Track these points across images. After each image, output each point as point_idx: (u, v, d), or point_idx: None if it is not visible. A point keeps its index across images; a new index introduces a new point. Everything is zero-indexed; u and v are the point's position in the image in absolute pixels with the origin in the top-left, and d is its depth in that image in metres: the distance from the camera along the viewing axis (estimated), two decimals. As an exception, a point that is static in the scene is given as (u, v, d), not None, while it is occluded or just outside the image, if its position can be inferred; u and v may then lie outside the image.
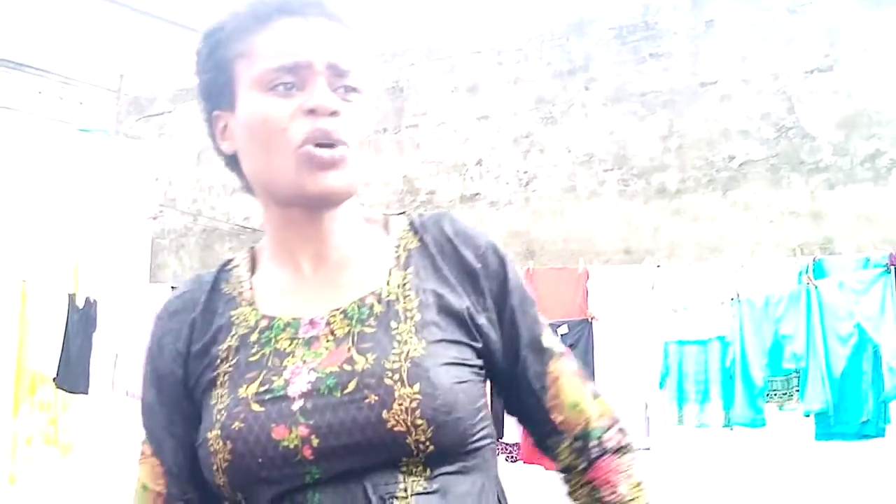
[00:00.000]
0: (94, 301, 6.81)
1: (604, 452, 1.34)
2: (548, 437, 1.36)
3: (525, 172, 7.69)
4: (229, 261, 1.42)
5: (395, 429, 1.12)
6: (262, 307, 1.31)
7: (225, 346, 1.28)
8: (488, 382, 1.31)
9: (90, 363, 6.74)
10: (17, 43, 12.25)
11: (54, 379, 6.74)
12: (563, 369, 1.35)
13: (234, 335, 1.29)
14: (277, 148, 1.23)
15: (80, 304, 6.79)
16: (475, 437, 1.20)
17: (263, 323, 1.28)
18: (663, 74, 7.15)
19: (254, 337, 1.27)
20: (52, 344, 6.72)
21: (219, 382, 1.25)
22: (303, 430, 1.14)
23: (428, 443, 1.13)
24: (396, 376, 1.15)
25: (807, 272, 5.16)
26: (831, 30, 6.47)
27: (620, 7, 7.52)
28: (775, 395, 5.13)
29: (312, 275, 1.31)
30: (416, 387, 1.14)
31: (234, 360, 1.26)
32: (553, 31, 7.73)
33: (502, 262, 1.32)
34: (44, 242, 7.68)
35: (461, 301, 1.26)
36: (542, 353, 1.33)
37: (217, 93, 1.32)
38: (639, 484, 1.34)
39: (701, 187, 6.88)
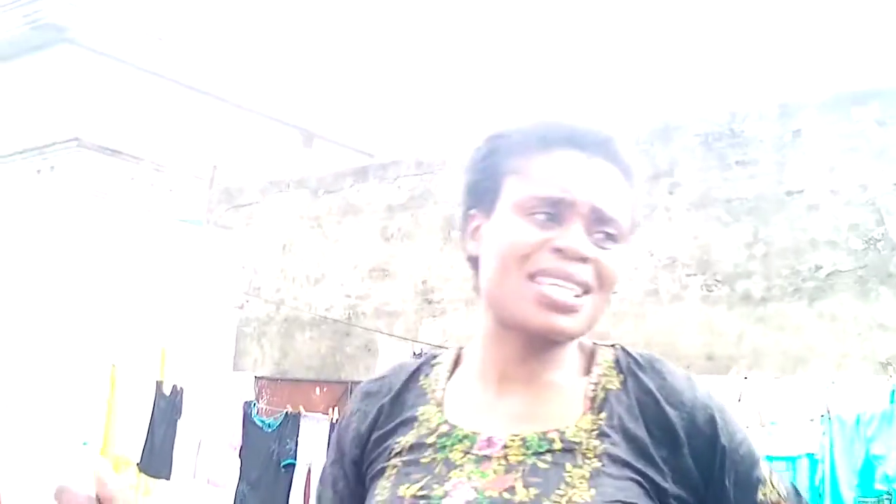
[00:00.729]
0: (181, 389, 6.94)
1: None
2: None
3: (607, 274, 7.69)
4: (435, 356, 1.41)
5: None
6: (448, 412, 1.29)
7: (403, 440, 1.27)
8: None
9: (174, 449, 6.84)
10: (111, 130, 12.72)
11: (138, 464, 6.85)
12: None
13: (413, 432, 1.28)
14: (512, 272, 1.21)
15: (166, 391, 6.93)
16: None
17: (444, 428, 1.26)
18: (749, 182, 7.16)
19: (430, 440, 1.25)
20: (137, 429, 6.84)
21: (386, 474, 1.25)
22: None
23: None
24: None
25: (899, 390, 5.07)
26: (922, 143, 6.45)
27: (707, 114, 7.59)
28: (866, 515, 5.01)
29: (506, 394, 1.27)
30: None
31: (406, 458, 1.25)
32: (638, 136, 7.81)
33: (712, 422, 1.23)
34: (133, 328, 7.87)
35: (649, 461, 1.20)
36: None
37: (480, 195, 1.30)
38: None
39: (787, 296, 6.83)
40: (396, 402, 1.34)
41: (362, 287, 9.36)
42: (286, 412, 6.84)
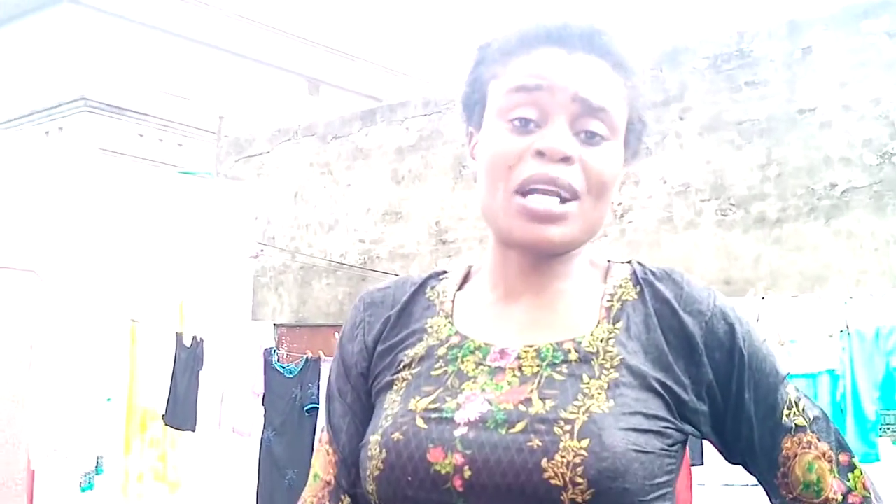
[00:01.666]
0: (201, 340, 6.97)
1: None
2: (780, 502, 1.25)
3: (619, 204, 7.66)
4: (444, 271, 1.37)
5: (552, 481, 1.05)
6: (458, 323, 1.26)
7: (412, 352, 1.24)
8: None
9: (197, 401, 6.88)
10: (116, 88, 12.68)
11: (163, 416, 6.90)
12: (801, 446, 1.21)
13: (422, 344, 1.25)
14: (498, 186, 1.17)
15: (187, 342, 6.95)
16: None
17: (455, 339, 1.23)
18: (760, 102, 7.07)
19: (441, 351, 1.22)
20: (160, 382, 6.89)
21: (395, 387, 1.22)
22: (458, 459, 1.09)
23: None
24: (568, 427, 1.08)
25: (918, 302, 5.03)
26: (934, 52, 6.34)
27: (714, 36, 7.47)
28: (889, 429, 4.99)
29: (517, 306, 1.24)
30: (585, 442, 1.06)
31: (416, 370, 1.22)
32: (646, 61, 7.70)
33: (731, 331, 1.19)
34: (150, 283, 7.89)
35: (668, 372, 1.16)
36: (776, 429, 1.20)
37: (471, 110, 1.27)
38: None
39: (802, 216, 6.77)
40: (403, 313, 1.30)
41: (376, 231, 9.35)
42: (306, 357, 6.86)
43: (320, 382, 6.68)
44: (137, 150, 11.35)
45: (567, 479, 1.05)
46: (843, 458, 1.22)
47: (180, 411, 6.88)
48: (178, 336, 6.98)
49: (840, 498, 1.19)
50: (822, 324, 5.20)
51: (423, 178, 9.07)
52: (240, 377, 6.94)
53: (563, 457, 1.05)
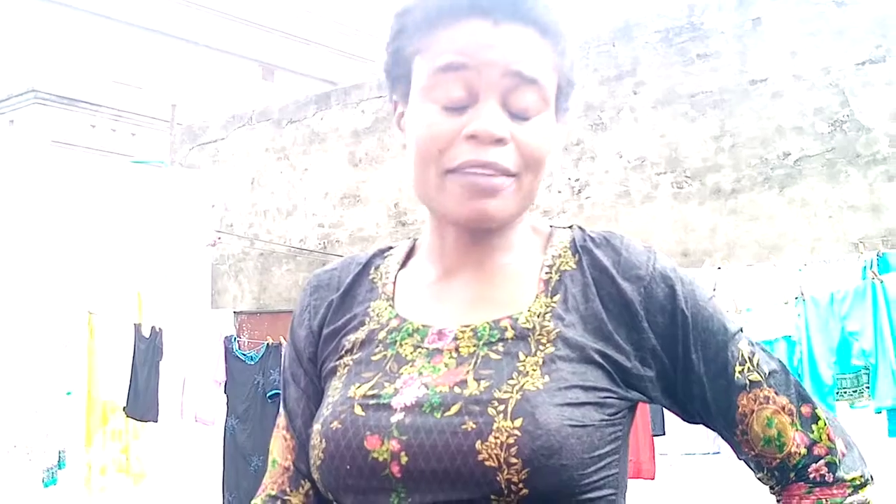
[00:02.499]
0: (160, 330, 6.91)
1: (799, 480, 1.20)
2: (745, 462, 1.24)
3: (577, 180, 7.69)
4: (389, 248, 1.35)
5: (486, 462, 1.04)
6: (399, 306, 1.24)
7: (353, 337, 1.23)
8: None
9: (158, 391, 6.83)
10: (67, 79, 12.52)
11: (124, 408, 6.84)
12: (758, 402, 1.18)
13: (364, 328, 1.23)
14: (430, 168, 1.14)
15: (145, 333, 6.89)
16: (587, 488, 1.08)
17: (394, 323, 1.21)
18: (712, 74, 7.11)
19: (381, 335, 1.21)
20: (120, 374, 6.83)
21: (338, 374, 1.20)
22: (394, 445, 1.08)
23: (521, 485, 1.04)
24: (501, 407, 1.06)
25: (871, 267, 5.08)
26: (881, 20, 6.39)
27: (665, 9, 7.50)
28: (845, 393, 5.05)
29: (455, 282, 1.22)
30: (518, 422, 1.05)
31: (357, 355, 1.20)
32: (598, 37, 7.72)
33: (672, 293, 1.16)
34: (107, 274, 7.82)
35: (608, 341, 1.14)
36: (729, 387, 1.17)
37: (395, 81, 1.22)
38: None
39: (757, 186, 6.82)
40: (347, 296, 1.28)
41: (335, 215, 9.32)
42: (267, 344, 6.83)
43: (282, 368, 6.65)
44: (90, 140, 11.21)
45: (501, 459, 1.03)
46: (804, 409, 1.20)
47: (141, 402, 6.82)
48: (137, 327, 6.92)
49: (804, 451, 1.18)
50: (777, 291, 5.25)
51: (380, 161, 9.04)
52: (201, 366, 6.89)
53: (496, 438, 1.04)
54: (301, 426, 1.28)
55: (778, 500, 1.23)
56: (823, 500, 1.18)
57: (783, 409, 1.18)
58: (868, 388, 4.97)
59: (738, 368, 1.17)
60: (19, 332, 7.12)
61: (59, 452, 6.93)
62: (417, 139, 1.15)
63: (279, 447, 1.31)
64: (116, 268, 7.94)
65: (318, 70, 15.37)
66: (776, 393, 1.18)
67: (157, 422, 6.92)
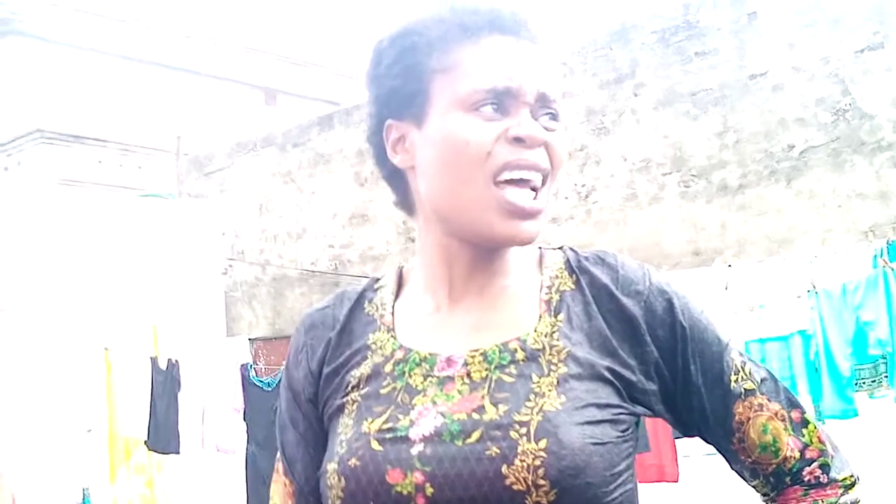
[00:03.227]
0: (176, 361, 6.93)
1: (795, 484, 1.22)
2: (740, 471, 1.25)
3: (583, 186, 7.68)
4: (377, 279, 1.34)
5: (514, 486, 1.04)
6: (401, 336, 1.23)
7: (358, 372, 1.22)
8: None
9: (178, 423, 6.85)
10: (72, 117, 12.58)
11: (146, 442, 6.86)
12: (753, 410, 1.21)
13: (368, 363, 1.22)
14: (472, 176, 1.14)
15: (162, 365, 6.92)
16: None
17: (399, 354, 1.21)
18: (711, 72, 7.09)
19: (388, 368, 1.20)
20: (140, 407, 6.85)
21: (346, 410, 1.19)
22: (418, 477, 1.08)
23: None
24: (524, 430, 1.07)
25: (882, 255, 5.06)
26: (878, 6, 6.36)
27: (660, 10, 7.49)
28: (864, 383, 5.02)
29: (459, 310, 1.22)
30: (543, 443, 1.06)
31: (364, 390, 1.19)
32: (595, 41, 7.72)
33: (670, 307, 1.19)
34: (121, 309, 7.85)
35: (614, 357, 1.16)
36: (726, 396, 1.20)
37: (401, 102, 1.21)
38: None
39: (763, 180, 6.80)
40: (343, 332, 1.28)
41: (344, 235, 9.33)
42: (283, 369, 6.84)
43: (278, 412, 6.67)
44: (97, 177, 11.25)
45: (529, 482, 1.04)
46: (794, 415, 1.22)
47: (162, 435, 6.84)
48: (154, 360, 6.95)
49: (798, 454, 1.20)
50: (789, 286, 5.23)
51: (386, 179, 9.03)
52: (219, 395, 6.91)
53: (522, 461, 1.05)
54: (301, 471, 1.27)
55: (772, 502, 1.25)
56: (819, 501, 1.20)
57: (776, 414, 1.21)
58: (886, 377, 4.95)
59: (733, 378, 1.20)
60: (37, 372, 7.15)
61: (84, 490, 6.96)
62: (460, 147, 1.15)
63: (279, 493, 1.31)
64: (130, 302, 7.96)
65: (320, 91, 15.40)
66: (769, 400, 1.21)
67: (179, 453, 6.94)
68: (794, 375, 5.15)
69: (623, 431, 1.13)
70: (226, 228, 9.92)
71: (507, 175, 1.13)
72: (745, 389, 1.20)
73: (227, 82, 14.64)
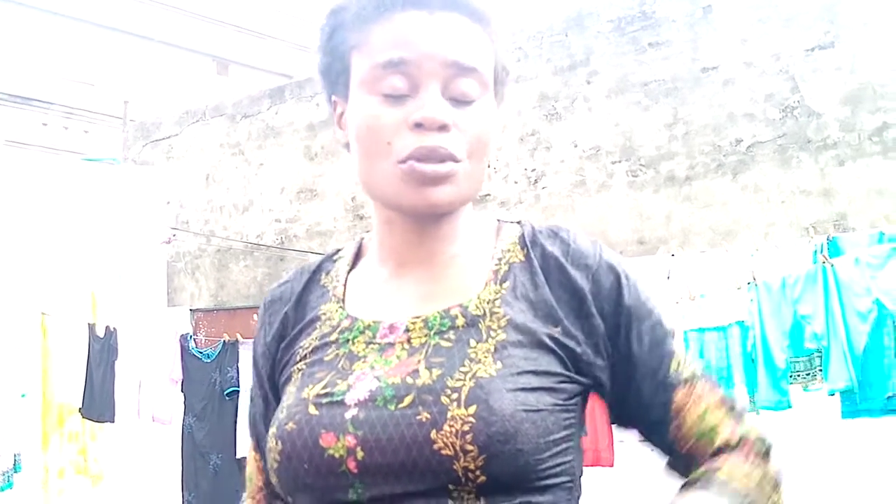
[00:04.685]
0: (114, 329, 6.84)
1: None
2: (675, 463, 1.23)
3: (533, 170, 7.70)
4: (338, 250, 1.35)
5: (442, 452, 1.04)
6: (349, 306, 1.24)
7: (306, 342, 1.23)
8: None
9: (114, 391, 6.77)
10: (18, 77, 12.33)
11: (80, 409, 6.77)
12: (692, 398, 1.20)
13: (316, 333, 1.23)
14: (380, 158, 1.15)
15: (100, 333, 6.82)
16: (543, 474, 1.08)
17: (345, 323, 1.21)
18: (664, 63, 7.14)
19: (333, 336, 1.20)
20: (75, 375, 6.75)
21: (293, 379, 1.20)
22: (350, 441, 1.08)
23: (478, 472, 1.04)
24: (455, 395, 1.06)
25: (822, 251, 5.13)
26: (830, 6, 6.45)
27: (617, -1, 7.52)
28: (799, 376, 5.10)
29: (406, 278, 1.23)
30: (472, 409, 1.05)
31: (310, 359, 1.20)
32: (551, 27, 7.73)
33: (617, 283, 1.19)
34: (60, 274, 7.72)
35: (559, 326, 1.15)
36: (665, 382, 1.19)
37: (334, 79, 1.23)
38: (749, 474, 1.16)
39: (710, 173, 6.87)
40: (298, 305, 1.28)
41: (291, 210, 9.26)
42: (223, 341, 6.78)
43: (239, 365, 6.63)
44: (42, 139, 11.06)
45: (457, 447, 1.03)
46: (732, 405, 1.22)
47: (98, 403, 6.75)
48: (91, 327, 6.85)
49: (735, 442, 1.19)
50: (730, 277, 5.29)
51: (336, 154, 8.99)
52: (157, 365, 6.84)
53: (451, 426, 1.04)
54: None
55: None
56: (754, 467, 1.18)
57: (714, 403, 1.20)
58: (821, 370, 5.03)
59: (673, 365, 1.20)
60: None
61: (15, 456, 6.84)
62: (362, 133, 1.16)
63: (251, 467, 1.33)
64: (70, 267, 7.84)
65: (273, 64, 15.26)
66: (708, 390, 1.21)
67: (113, 422, 6.85)
68: (730, 366, 5.22)
69: (564, 400, 1.12)
70: (171, 197, 9.79)
71: (410, 162, 1.13)
72: (684, 378, 1.20)
73: (179, 50, 14.45)
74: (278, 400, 1.24)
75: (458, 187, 1.15)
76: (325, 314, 1.24)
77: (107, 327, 6.85)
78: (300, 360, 1.21)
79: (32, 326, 6.79)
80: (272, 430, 1.15)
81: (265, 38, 15.44)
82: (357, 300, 1.24)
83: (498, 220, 1.28)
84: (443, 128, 1.12)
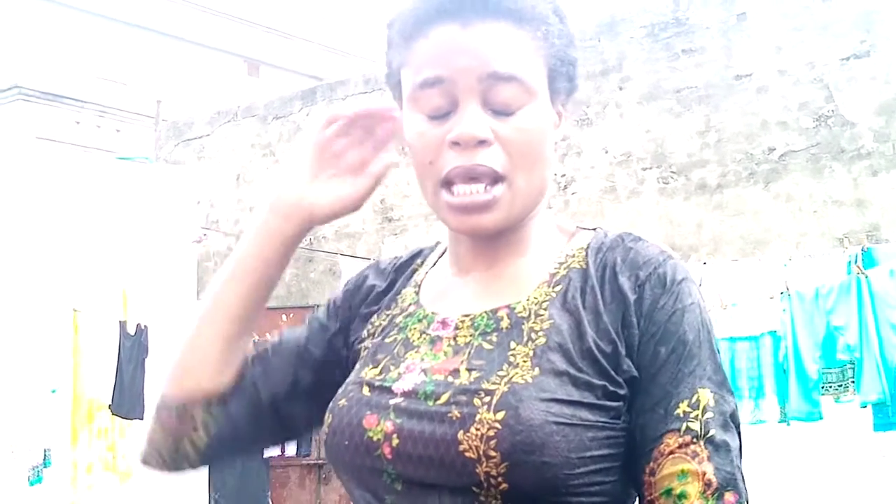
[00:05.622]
0: (145, 327, 6.88)
1: None
2: None
3: (563, 176, 7.69)
4: (438, 243, 1.37)
5: (467, 454, 1.03)
6: (422, 294, 1.26)
7: (377, 320, 1.27)
8: None
9: (144, 389, 6.80)
10: (52, 75, 12.45)
11: (110, 406, 6.81)
12: (683, 450, 1.05)
13: (390, 312, 1.27)
14: (426, 177, 1.17)
15: (131, 330, 6.87)
16: (575, 490, 1.03)
17: (412, 309, 1.24)
18: (697, 70, 7.11)
19: (399, 319, 1.23)
20: (105, 371, 6.79)
21: (361, 356, 1.24)
22: (388, 427, 1.10)
23: (500, 478, 1.02)
24: (487, 398, 1.05)
25: (856, 262, 5.10)
26: (866, 15, 6.41)
27: (650, 5, 7.50)
28: (831, 387, 5.07)
29: (469, 278, 1.23)
30: (501, 415, 1.03)
31: (378, 339, 1.23)
32: (584, 33, 7.72)
33: (660, 296, 1.10)
34: (92, 271, 7.77)
35: (603, 334, 1.09)
36: (666, 418, 1.06)
37: (395, 93, 1.23)
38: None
39: (742, 181, 6.84)
40: (389, 282, 1.32)
41: (321, 211, 9.28)
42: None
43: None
44: (74, 137, 11.15)
45: (480, 451, 1.02)
46: (726, 494, 1.04)
47: (127, 400, 6.79)
48: (122, 324, 6.89)
49: None
50: (762, 286, 5.27)
51: (365, 157, 8.99)
52: (186, 363, 6.86)
53: (477, 429, 1.03)
54: (278, 347, 1.33)
55: None
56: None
57: (702, 476, 1.04)
58: (853, 382, 5.00)
59: (683, 406, 1.07)
60: (3, 330, 7.08)
61: (45, 451, 6.90)
62: (410, 151, 1.17)
63: (270, 345, 1.35)
64: (101, 265, 7.89)
65: (304, 66, 15.32)
66: (707, 459, 1.05)
67: (143, 419, 6.88)
68: (762, 376, 5.19)
69: (611, 419, 1.06)
70: (201, 197, 9.84)
71: (447, 194, 1.13)
72: (687, 426, 1.05)
73: (211, 50, 14.53)
74: (320, 348, 1.30)
75: (502, 211, 1.13)
76: (402, 297, 1.28)
77: (137, 325, 6.90)
78: (368, 337, 1.25)
79: (64, 323, 6.84)
80: (330, 404, 1.18)
81: (295, 39, 15.52)
82: (428, 290, 1.27)
83: (577, 227, 1.25)
84: (482, 143, 1.11)
